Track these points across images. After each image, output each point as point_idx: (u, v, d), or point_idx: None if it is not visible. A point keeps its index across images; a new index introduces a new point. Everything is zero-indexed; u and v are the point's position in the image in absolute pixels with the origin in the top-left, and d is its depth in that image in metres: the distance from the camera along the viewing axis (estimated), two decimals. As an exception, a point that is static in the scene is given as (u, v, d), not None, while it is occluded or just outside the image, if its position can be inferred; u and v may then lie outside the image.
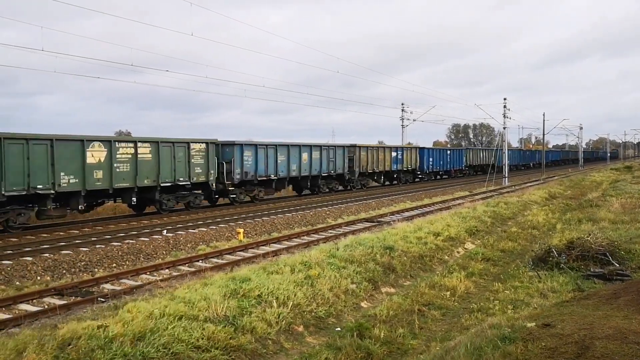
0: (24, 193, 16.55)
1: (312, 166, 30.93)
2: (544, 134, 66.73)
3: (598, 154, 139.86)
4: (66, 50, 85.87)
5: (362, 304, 9.63)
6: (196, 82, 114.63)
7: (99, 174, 18.73)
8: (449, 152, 52.92)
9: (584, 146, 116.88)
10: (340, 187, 35.68)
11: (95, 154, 18.60)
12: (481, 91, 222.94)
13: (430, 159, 47.30)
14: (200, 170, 23.07)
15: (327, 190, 33.21)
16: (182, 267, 13.15)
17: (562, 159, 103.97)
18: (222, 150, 25.04)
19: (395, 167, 40.83)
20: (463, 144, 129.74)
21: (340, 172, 33.76)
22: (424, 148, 46.54)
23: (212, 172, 23.61)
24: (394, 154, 40.85)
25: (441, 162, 49.46)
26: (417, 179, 45.89)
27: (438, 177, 51.82)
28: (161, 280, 10.80)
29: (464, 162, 55.01)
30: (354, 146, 35.48)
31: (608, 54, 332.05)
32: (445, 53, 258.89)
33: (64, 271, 12.97)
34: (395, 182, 42.70)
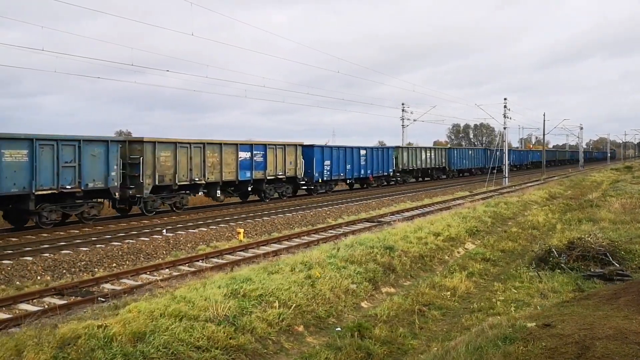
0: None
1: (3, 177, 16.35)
2: (544, 134, 66.88)
3: (592, 155, 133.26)
4: (70, 50, 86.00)
5: (363, 304, 9.63)
6: (197, 83, 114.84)
7: None
8: (363, 152, 36.93)
9: (584, 146, 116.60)
10: (126, 213, 22.18)
11: None
12: (483, 91, 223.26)
13: (327, 163, 33.00)
14: None
15: (71, 219, 19.63)
16: (182, 267, 13.16)
17: (546, 160, 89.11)
18: None
19: (246, 175, 26.20)
20: (463, 143, 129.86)
21: (100, 187, 19.21)
22: (312, 146, 31.81)
23: None
24: (243, 154, 25.93)
25: (349, 166, 35.10)
26: (311, 193, 32.46)
27: (356, 187, 38.93)
28: (161, 280, 10.81)
29: (393, 165, 41.59)
30: (139, 142, 21.31)
31: (610, 54, 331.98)
32: (447, 53, 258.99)
33: (64, 271, 12.97)
34: (261, 198, 28.30)
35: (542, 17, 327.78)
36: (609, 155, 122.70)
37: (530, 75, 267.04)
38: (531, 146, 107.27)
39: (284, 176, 29.35)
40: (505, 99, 45.21)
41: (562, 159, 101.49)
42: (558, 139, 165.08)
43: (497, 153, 44.40)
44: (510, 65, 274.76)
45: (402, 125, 54.66)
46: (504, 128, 45.91)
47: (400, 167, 42.92)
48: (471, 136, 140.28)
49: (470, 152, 60.27)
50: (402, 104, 55.00)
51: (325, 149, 33.57)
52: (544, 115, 63.75)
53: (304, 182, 31.47)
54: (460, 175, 57.52)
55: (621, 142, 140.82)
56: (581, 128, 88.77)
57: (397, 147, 43.93)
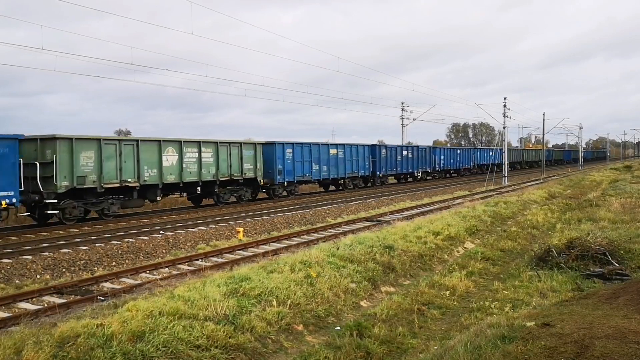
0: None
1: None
2: (543, 134, 66.89)
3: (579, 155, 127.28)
4: (74, 50, 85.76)
5: (362, 303, 9.63)
6: (198, 82, 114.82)
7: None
8: None
9: (584, 146, 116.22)
10: None
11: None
12: (486, 91, 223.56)
13: None
14: None
15: None
16: (181, 266, 13.15)
17: (512, 160, 68.56)
18: None
19: None
20: (463, 143, 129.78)
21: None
22: None
23: None
24: None
25: None
26: None
27: None
28: (161, 279, 10.80)
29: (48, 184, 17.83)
30: None
31: (612, 54, 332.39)
32: (451, 53, 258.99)
33: (64, 270, 12.97)
34: None
35: (544, 17, 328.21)
36: (608, 154, 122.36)
37: (532, 75, 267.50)
38: (530, 145, 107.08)
39: None
40: (505, 98, 45.20)
41: (536, 160, 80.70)
42: (558, 138, 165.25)
43: (388, 152, 33.51)
44: (514, 65, 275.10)
45: (402, 125, 54.67)
46: (504, 127, 45.90)
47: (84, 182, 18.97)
48: (470, 135, 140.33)
49: (331, 150, 33.29)
50: (402, 103, 54.95)
51: None
52: (543, 114, 63.71)
53: None
54: (325, 193, 34.16)
55: (620, 141, 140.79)
56: (580, 127, 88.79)
57: (61, 139, 18.41)
